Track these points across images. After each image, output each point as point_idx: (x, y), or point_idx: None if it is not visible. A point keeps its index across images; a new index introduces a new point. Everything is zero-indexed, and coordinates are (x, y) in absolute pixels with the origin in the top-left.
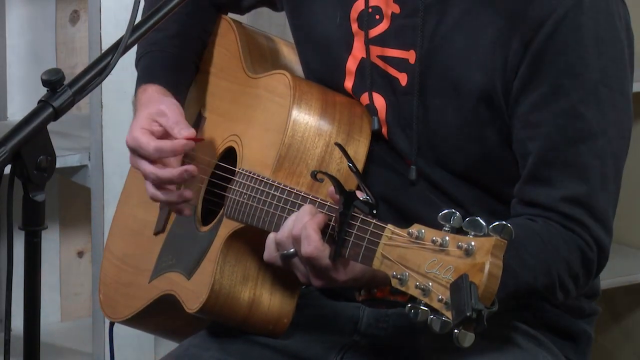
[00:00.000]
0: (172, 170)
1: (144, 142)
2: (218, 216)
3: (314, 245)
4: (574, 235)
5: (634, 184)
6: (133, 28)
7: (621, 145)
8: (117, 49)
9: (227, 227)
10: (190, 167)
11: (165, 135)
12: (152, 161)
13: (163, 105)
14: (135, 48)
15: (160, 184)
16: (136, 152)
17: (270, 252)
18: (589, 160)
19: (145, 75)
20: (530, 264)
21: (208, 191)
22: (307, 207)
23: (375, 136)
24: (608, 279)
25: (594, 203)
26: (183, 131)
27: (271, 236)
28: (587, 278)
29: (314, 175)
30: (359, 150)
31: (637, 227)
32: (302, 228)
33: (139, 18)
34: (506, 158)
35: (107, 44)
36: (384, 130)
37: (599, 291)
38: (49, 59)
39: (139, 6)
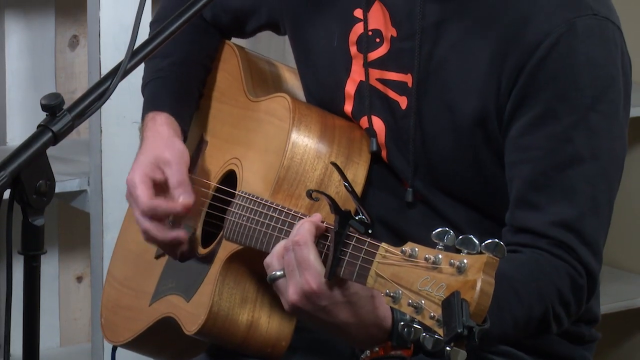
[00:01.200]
0: (160, 231)
1: (141, 195)
2: (217, 238)
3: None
4: (562, 262)
5: (633, 209)
6: (132, 53)
7: (613, 170)
8: (117, 73)
9: (226, 249)
10: (181, 234)
11: (165, 187)
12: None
13: (170, 153)
14: (134, 73)
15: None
16: (132, 196)
17: (273, 267)
18: (579, 185)
19: (153, 102)
20: (524, 295)
21: (208, 214)
22: (299, 223)
23: (375, 159)
24: (607, 304)
25: (584, 228)
26: (182, 196)
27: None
28: (578, 305)
29: (309, 194)
30: (358, 173)
31: (636, 252)
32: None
33: (139, 42)
34: (502, 181)
35: (106, 68)
36: (383, 153)
37: (598, 317)
38: (48, 83)
39: (138, 31)
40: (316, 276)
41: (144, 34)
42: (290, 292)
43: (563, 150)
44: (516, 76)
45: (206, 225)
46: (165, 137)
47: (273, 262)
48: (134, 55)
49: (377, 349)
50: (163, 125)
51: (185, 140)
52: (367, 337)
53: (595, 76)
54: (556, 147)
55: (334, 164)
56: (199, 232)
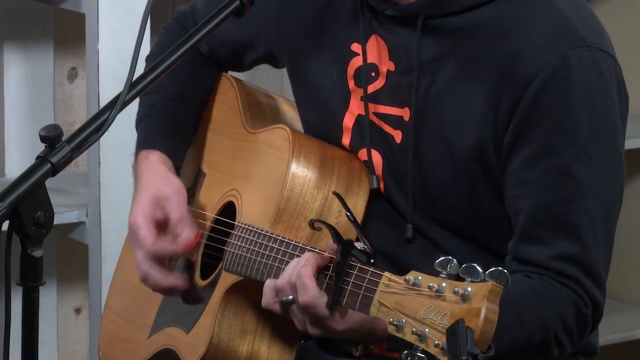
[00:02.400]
0: (163, 277)
1: (145, 239)
2: (217, 270)
3: (310, 293)
4: (568, 290)
5: (630, 242)
6: (131, 84)
7: (613, 202)
8: (115, 105)
9: (225, 280)
10: (181, 282)
11: (166, 223)
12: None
13: (168, 190)
14: (133, 105)
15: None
16: (135, 238)
17: (268, 298)
18: (581, 218)
19: (146, 140)
20: (526, 320)
21: (207, 245)
22: (307, 254)
23: (374, 192)
24: (605, 335)
25: (587, 261)
26: (185, 232)
27: (269, 282)
28: (581, 334)
29: (311, 224)
30: (358, 204)
31: (634, 283)
32: (297, 276)
33: (137, 74)
34: (501, 214)
35: (105, 100)
36: (382, 186)
37: (596, 349)
38: (47, 115)
39: (137, 62)
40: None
41: (142, 66)
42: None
43: (563, 184)
44: (513, 110)
45: (205, 256)
46: (161, 174)
47: (283, 287)
48: (132, 87)
49: (372, 346)
50: (157, 163)
51: (178, 175)
52: (362, 338)
53: (591, 108)
54: (556, 181)
55: (336, 194)
56: (198, 263)
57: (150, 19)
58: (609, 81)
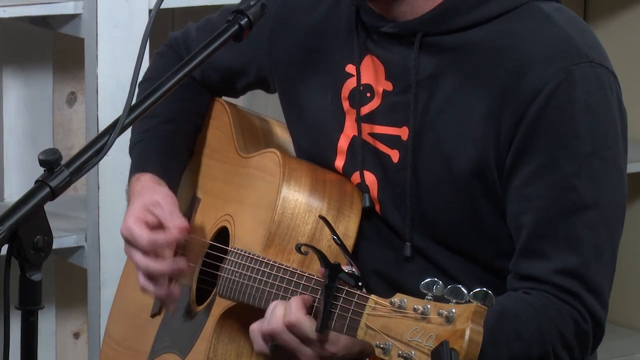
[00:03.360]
0: (164, 264)
1: (138, 233)
2: (211, 296)
3: (294, 313)
4: (567, 306)
5: (630, 266)
6: (130, 108)
7: (615, 217)
8: (114, 129)
9: (220, 305)
10: (182, 263)
11: (159, 225)
12: (146, 252)
13: (157, 196)
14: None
15: (151, 275)
16: (130, 242)
17: (259, 344)
18: (583, 232)
19: (139, 164)
20: (524, 335)
21: (202, 271)
22: (291, 302)
23: (369, 213)
24: (605, 359)
25: (588, 275)
26: (176, 221)
27: (255, 327)
28: (582, 350)
29: (298, 248)
30: (350, 227)
31: (634, 308)
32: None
33: (135, 99)
34: (500, 232)
35: (103, 125)
36: (377, 207)
37: None
38: (46, 140)
39: (135, 87)
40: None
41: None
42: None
43: (566, 199)
44: (516, 126)
45: (200, 282)
46: (151, 186)
47: (283, 336)
48: (131, 111)
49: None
50: (148, 181)
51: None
52: (356, 357)
53: (594, 123)
54: (559, 196)
55: (322, 218)
56: (193, 289)
57: (149, 43)
58: (611, 97)
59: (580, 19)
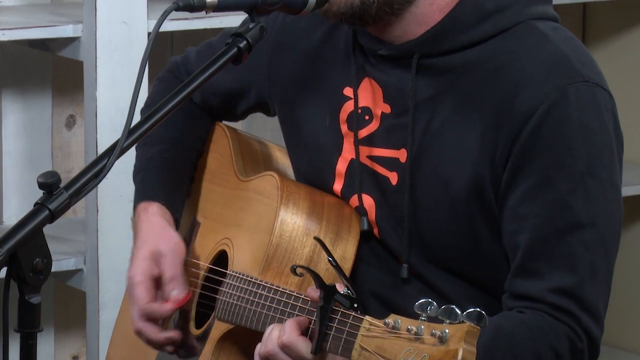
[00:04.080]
0: (155, 331)
1: (139, 297)
2: (210, 319)
3: (288, 334)
4: (563, 325)
5: (627, 289)
6: (129, 131)
7: (611, 236)
8: (113, 152)
9: (218, 329)
10: (174, 335)
11: (161, 278)
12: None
13: (164, 245)
14: (130, 152)
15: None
16: (131, 294)
17: None
18: (578, 251)
19: (144, 192)
20: (519, 354)
21: (202, 295)
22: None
23: (367, 236)
24: None
25: (584, 294)
26: (174, 291)
27: (255, 350)
28: None
29: (293, 270)
30: (348, 250)
31: (631, 330)
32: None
33: (135, 121)
34: (498, 253)
35: (102, 148)
36: (375, 230)
37: None
38: (45, 163)
39: (134, 110)
40: None
41: (139, 118)
42: None
43: (561, 218)
44: (511, 146)
45: (200, 306)
46: (159, 228)
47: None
48: (130, 134)
49: None
50: (156, 215)
51: (177, 227)
52: None
53: (589, 142)
54: (554, 215)
55: (317, 239)
56: (192, 312)
57: (148, 67)
58: (606, 116)
59: (576, 39)
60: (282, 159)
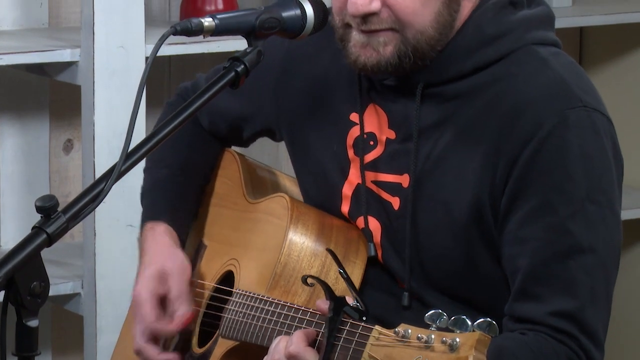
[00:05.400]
0: (155, 352)
1: (146, 315)
2: (214, 337)
3: (295, 344)
4: (564, 346)
5: (625, 312)
6: (127, 155)
7: (611, 260)
8: (111, 175)
9: (221, 346)
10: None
11: (167, 297)
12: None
13: (171, 264)
14: (128, 175)
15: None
16: (138, 311)
17: None
18: (578, 275)
19: (152, 212)
20: None
21: (206, 314)
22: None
23: (371, 259)
24: None
25: (584, 318)
26: (180, 309)
27: None
28: None
29: (304, 280)
30: (355, 273)
31: (630, 354)
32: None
33: (132, 145)
34: (498, 278)
35: (100, 172)
36: (379, 253)
37: None
38: (43, 187)
39: (132, 134)
40: None
41: (137, 137)
42: None
43: (561, 242)
44: (510, 169)
45: (203, 324)
46: (165, 248)
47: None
48: (128, 158)
49: None
50: (162, 235)
51: (183, 248)
52: None
53: (589, 167)
54: (554, 239)
55: (330, 250)
56: (196, 331)
57: (146, 91)
58: (605, 141)
59: (576, 64)
60: (291, 187)
